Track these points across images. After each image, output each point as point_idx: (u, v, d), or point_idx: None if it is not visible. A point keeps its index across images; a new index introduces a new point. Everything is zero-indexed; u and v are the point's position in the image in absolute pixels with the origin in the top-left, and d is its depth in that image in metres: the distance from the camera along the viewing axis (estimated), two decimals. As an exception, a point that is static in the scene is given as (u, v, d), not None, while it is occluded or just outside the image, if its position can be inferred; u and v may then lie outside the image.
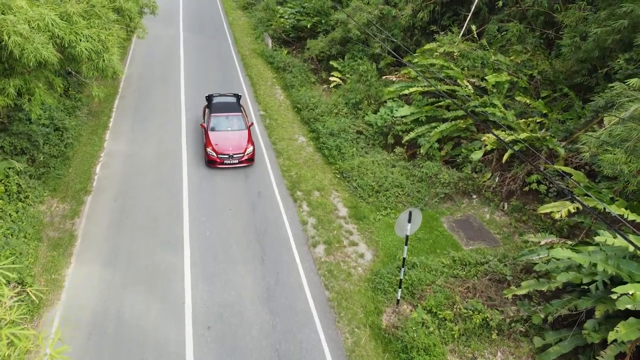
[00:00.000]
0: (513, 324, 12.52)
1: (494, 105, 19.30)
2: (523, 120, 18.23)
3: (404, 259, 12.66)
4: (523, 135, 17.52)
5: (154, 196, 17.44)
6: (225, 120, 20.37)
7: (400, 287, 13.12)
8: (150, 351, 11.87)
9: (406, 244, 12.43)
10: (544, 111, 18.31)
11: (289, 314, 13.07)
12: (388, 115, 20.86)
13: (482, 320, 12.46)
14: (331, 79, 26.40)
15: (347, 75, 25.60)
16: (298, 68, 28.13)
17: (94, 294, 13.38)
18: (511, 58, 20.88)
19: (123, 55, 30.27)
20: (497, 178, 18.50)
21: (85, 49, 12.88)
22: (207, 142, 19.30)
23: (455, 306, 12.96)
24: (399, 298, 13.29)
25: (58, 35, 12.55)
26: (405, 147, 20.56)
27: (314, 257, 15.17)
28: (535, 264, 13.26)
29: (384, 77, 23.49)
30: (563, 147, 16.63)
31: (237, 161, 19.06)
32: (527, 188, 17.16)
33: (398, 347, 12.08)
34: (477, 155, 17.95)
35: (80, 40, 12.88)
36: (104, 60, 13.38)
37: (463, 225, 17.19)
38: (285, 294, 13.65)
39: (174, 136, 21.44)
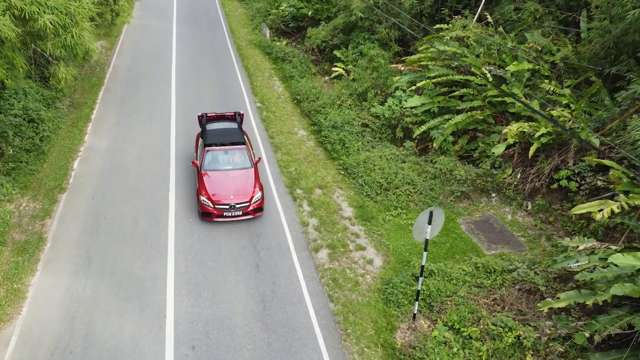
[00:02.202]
0: (551, 344, 10.64)
1: (514, 95, 17.43)
2: (549, 109, 16.35)
3: (422, 266, 10.80)
4: (548, 128, 15.68)
5: (137, 196, 15.56)
6: (224, 157, 15.56)
7: (417, 300, 11.24)
8: (123, 377, 10.01)
9: (426, 249, 10.57)
10: (565, 101, 16.43)
11: (287, 331, 11.21)
12: (396, 106, 18.99)
13: (515, 338, 10.59)
14: (334, 69, 24.54)
15: (351, 67, 23.71)
16: (298, 58, 26.28)
17: (60, 307, 11.50)
18: (530, 45, 19.01)
19: (111, 45, 28.49)
20: (519, 174, 16.64)
21: (50, 22, 11.04)
22: (200, 188, 14.57)
23: (481, 322, 11.08)
24: (415, 312, 11.42)
25: (16, 6, 10.69)
26: (416, 141, 18.70)
27: (316, 264, 13.30)
28: (575, 272, 11.43)
29: (391, 66, 21.61)
30: (596, 138, 14.76)
31: (240, 213, 14.37)
32: (555, 185, 15.29)
33: (416, 371, 10.22)
34: (498, 149, 16.09)
35: (44, 11, 11.03)
36: (72, 37, 11.51)
37: (483, 227, 15.32)
38: (283, 307, 11.79)
39: (161, 132, 19.56)
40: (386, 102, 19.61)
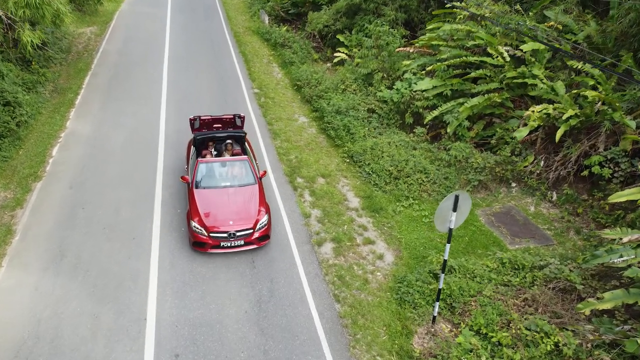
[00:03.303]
0: (595, 351, 9.09)
1: (534, 76, 15.90)
2: (575, 91, 14.80)
3: (445, 261, 9.25)
4: (575, 110, 14.13)
5: (120, 186, 14.03)
6: (221, 170, 12.77)
7: (438, 300, 9.69)
8: (93, 391, 8.46)
9: (449, 241, 9.02)
10: (592, 82, 14.88)
11: (286, 336, 9.66)
12: (406, 89, 17.43)
13: (553, 346, 9.04)
14: (336, 55, 22.99)
15: (355, 50, 22.15)
16: (298, 44, 24.77)
17: (25, 308, 9.95)
18: (551, 23, 17.47)
19: (101, 32, 26.98)
20: (543, 162, 15.10)
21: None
22: (191, 210, 11.67)
23: (512, 326, 9.54)
24: (435, 314, 9.88)
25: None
26: (428, 127, 17.15)
27: (320, 259, 11.76)
28: (618, 268, 9.91)
29: (399, 49, 20.05)
30: (632, 119, 13.22)
31: (242, 242, 11.47)
32: (585, 172, 13.73)
33: (439, 384, 8.67)
34: (521, 134, 14.53)
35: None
36: (38, -6, 9.97)
37: (504, 220, 13.78)
38: (282, 309, 10.24)
39: (150, 119, 18.02)
40: (394, 86, 18.05)
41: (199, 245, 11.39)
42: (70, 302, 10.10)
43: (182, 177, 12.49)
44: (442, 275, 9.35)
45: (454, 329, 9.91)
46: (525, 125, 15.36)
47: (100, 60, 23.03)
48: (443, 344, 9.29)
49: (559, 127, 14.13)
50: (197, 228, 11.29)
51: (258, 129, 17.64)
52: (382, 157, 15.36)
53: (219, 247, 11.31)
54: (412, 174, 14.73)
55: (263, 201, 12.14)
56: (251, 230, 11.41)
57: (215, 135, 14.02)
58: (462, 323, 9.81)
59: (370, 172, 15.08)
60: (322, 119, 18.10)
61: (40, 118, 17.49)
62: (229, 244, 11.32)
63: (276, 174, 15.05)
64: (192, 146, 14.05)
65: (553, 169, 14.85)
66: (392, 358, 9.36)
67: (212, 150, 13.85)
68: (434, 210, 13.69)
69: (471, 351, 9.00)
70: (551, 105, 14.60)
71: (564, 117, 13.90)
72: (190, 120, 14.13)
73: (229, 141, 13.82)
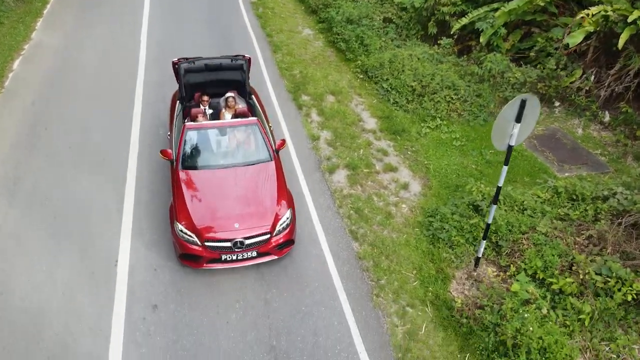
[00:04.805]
0: (686, 302, 7.19)
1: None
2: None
3: (498, 188, 7.13)
4: (638, 12, 11.59)
5: (92, 102, 11.76)
6: (219, 140, 8.69)
7: (484, 238, 7.67)
8: (51, 351, 6.57)
9: (506, 163, 6.87)
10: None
11: (293, 283, 7.72)
12: (430, -8, 14.75)
13: (635, 295, 7.11)
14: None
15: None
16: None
17: (-33, 248, 7.99)
18: None
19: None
20: (593, 76, 12.73)
21: None
22: (176, 205, 7.72)
23: (576, 269, 7.58)
24: (479, 255, 7.89)
25: None
26: (455, 37, 14.61)
27: (332, 189, 9.69)
28: None
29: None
30: None
31: (255, 254, 7.59)
32: (649, 87, 11.44)
33: (489, 343, 6.77)
34: (574, 39, 12.06)
35: None
36: None
37: (549, 144, 11.61)
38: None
39: (130, 22, 15.47)
40: (415, -10, 15.34)
41: (188, 258, 7.58)
42: (22, 240, 8.10)
43: (163, 151, 8.30)
44: (494, 207, 7.27)
45: (501, 273, 7.98)
46: (569, 33, 12.84)
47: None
48: (490, 291, 7.36)
49: (619, 33, 11.66)
50: (185, 234, 7.40)
51: (256, 41, 15.12)
52: (403, 71, 12.95)
53: (218, 260, 7.53)
54: (439, 91, 12.39)
55: (283, 187, 8.14)
56: (268, 236, 7.54)
57: (209, 79, 9.89)
58: (512, 266, 7.86)
59: (389, 89, 12.74)
60: (330, 30, 15.52)
61: (1, 29, 14.92)
62: (234, 257, 7.52)
63: (277, 91, 12.73)
64: (177, 101, 9.82)
65: (605, 85, 12.52)
66: (427, 309, 7.47)
67: (207, 108, 9.68)
68: (466, 132, 11.58)
69: (528, 301, 7.08)
70: (610, 7, 12.04)
71: (628, 20, 11.39)
72: (174, 63, 9.79)
73: (230, 94, 9.53)
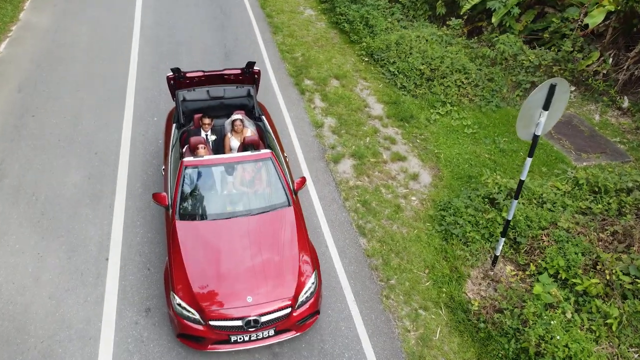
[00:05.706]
0: None
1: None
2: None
3: (520, 182, 6.55)
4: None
5: (82, 88, 11.13)
6: (224, 180, 7.00)
7: (504, 235, 7.11)
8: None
9: (531, 155, 6.27)
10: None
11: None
12: (438, -30, 14.01)
13: (665, 298, 6.60)
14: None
15: None
16: None
17: (-53, 245, 7.43)
18: None
19: None
20: (611, 59, 12.07)
21: None
22: (172, 270, 6.09)
23: (601, 268, 7.04)
24: (497, 254, 7.34)
25: None
26: (465, 18, 13.92)
27: (337, 179, 9.12)
28: None
29: None
30: None
31: (272, 332, 5.99)
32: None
33: (509, 350, 6.26)
34: (594, 19, 11.40)
35: None
36: None
37: (565, 131, 11.01)
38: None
39: (125, 10, 14.73)
40: (422, -33, 14.60)
41: (190, 339, 5.99)
42: (8, 237, 7.55)
43: (155, 196, 6.67)
44: (515, 203, 6.69)
45: (520, 272, 7.44)
46: (586, 14, 12.16)
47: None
48: (509, 292, 6.83)
49: (641, 12, 11.00)
50: (184, 309, 5.85)
51: (255, 22, 14.40)
52: (411, 54, 12.28)
53: (227, 342, 5.94)
54: (449, 75, 11.75)
55: (305, 241, 6.54)
56: (289, 310, 5.96)
57: (212, 103, 8.46)
58: (531, 264, 7.32)
59: (396, 72, 12.10)
60: (334, 11, 14.80)
61: (-13, 9, 14.21)
62: (246, 338, 5.92)
63: (278, 74, 12.08)
64: (173, 123, 8.29)
65: (624, 68, 11.91)
66: (441, 312, 6.94)
67: (209, 133, 8.11)
68: (478, 119, 10.97)
69: (551, 305, 6.55)
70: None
71: (652, -3, 10.72)
72: (169, 79, 8.18)
73: (237, 116, 7.96)
